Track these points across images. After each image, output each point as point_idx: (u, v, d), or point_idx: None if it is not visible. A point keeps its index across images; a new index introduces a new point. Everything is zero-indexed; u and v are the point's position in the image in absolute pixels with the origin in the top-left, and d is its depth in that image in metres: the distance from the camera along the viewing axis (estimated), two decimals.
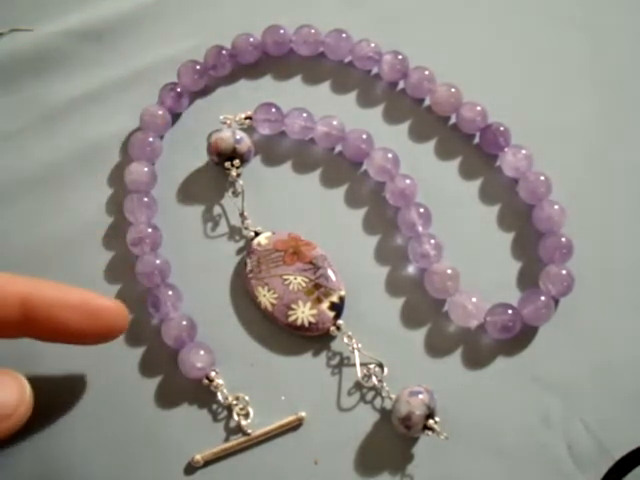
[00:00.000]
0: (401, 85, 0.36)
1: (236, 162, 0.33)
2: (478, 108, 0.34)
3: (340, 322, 0.31)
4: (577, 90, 0.37)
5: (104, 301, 0.27)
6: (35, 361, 0.30)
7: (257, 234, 0.33)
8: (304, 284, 0.31)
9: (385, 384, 0.30)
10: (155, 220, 0.33)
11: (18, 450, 0.29)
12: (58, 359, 0.30)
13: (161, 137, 0.35)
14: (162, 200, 0.33)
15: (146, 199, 0.33)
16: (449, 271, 0.31)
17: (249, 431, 0.29)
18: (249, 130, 0.35)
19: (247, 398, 0.30)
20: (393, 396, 0.29)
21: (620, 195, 0.34)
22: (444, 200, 0.34)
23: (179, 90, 0.35)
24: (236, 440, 0.29)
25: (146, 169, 0.33)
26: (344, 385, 0.30)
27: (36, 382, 0.30)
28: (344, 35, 0.36)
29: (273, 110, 0.34)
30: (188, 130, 0.35)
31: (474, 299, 0.31)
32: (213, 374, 0.30)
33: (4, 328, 0.26)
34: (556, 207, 0.32)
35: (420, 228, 0.32)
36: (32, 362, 0.30)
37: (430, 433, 0.28)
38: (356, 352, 0.30)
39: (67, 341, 0.27)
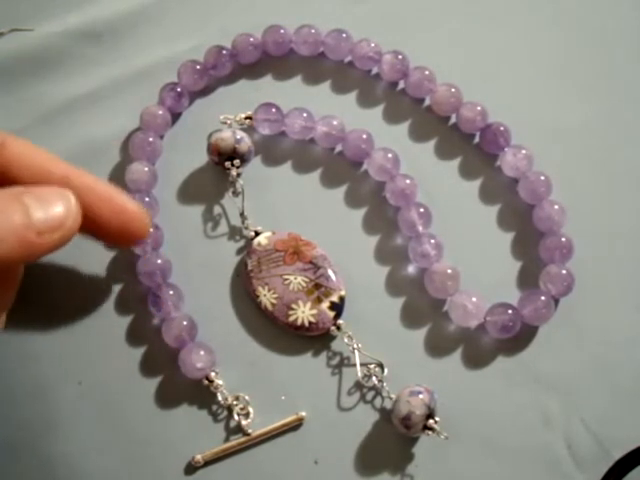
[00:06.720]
0: (401, 85, 0.36)
1: (236, 162, 0.33)
2: (478, 108, 0.34)
3: (340, 322, 0.31)
4: (577, 90, 0.37)
5: (127, 201, 0.28)
6: (35, 361, 0.30)
7: (257, 234, 0.33)
8: (304, 284, 0.31)
9: (385, 384, 0.30)
10: (156, 220, 0.33)
11: (18, 450, 0.29)
12: (58, 359, 0.30)
13: (161, 137, 0.35)
14: (163, 200, 0.33)
15: (147, 199, 0.33)
16: (449, 271, 0.31)
17: (249, 431, 0.29)
18: (249, 130, 0.35)
19: (247, 398, 0.30)
20: (393, 396, 0.29)
21: (620, 195, 0.34)
22: (444, 200, 0.34)
23: (179, 90, 0.35)
24: (236, 440, 0.29)
25: (146, 169, 0.33)
26: (344, 385, 0.30)
27: (35, 382, 0.30)
28: (344, 35, 0.36)
29: (273, 110, 0.34)
30: (188, 130, 0.35)
31: (474, 299, 0.31)
32: (213, 374, 0.30)
33: None
34: (556, 207, 0.32)
35: (420, 228, 0.32)
36: (32, 362, 0.30)
37: (430, 433, 0.28)
38: (356, 352, 0.30)
39: (92, 232, 0.28)
